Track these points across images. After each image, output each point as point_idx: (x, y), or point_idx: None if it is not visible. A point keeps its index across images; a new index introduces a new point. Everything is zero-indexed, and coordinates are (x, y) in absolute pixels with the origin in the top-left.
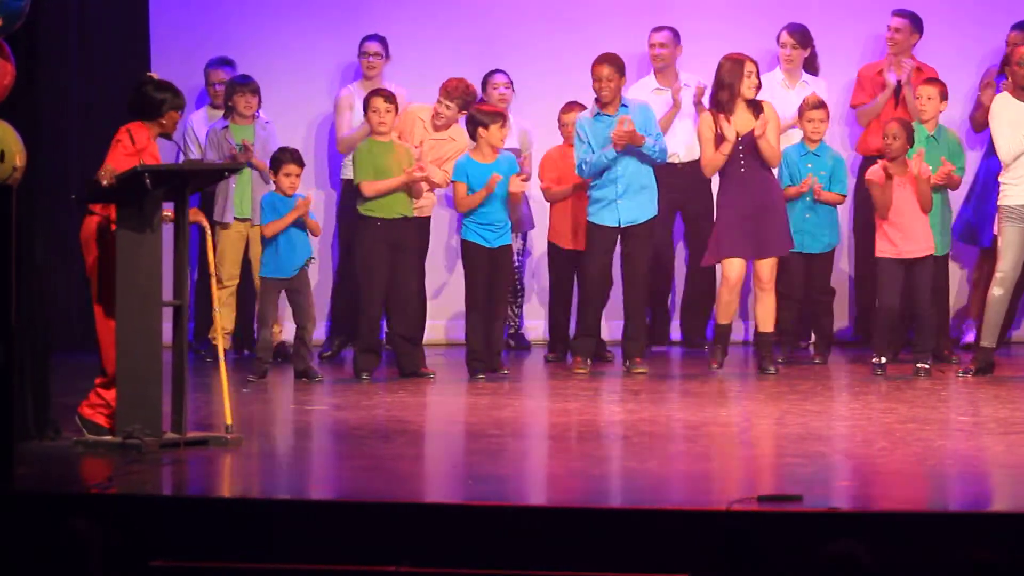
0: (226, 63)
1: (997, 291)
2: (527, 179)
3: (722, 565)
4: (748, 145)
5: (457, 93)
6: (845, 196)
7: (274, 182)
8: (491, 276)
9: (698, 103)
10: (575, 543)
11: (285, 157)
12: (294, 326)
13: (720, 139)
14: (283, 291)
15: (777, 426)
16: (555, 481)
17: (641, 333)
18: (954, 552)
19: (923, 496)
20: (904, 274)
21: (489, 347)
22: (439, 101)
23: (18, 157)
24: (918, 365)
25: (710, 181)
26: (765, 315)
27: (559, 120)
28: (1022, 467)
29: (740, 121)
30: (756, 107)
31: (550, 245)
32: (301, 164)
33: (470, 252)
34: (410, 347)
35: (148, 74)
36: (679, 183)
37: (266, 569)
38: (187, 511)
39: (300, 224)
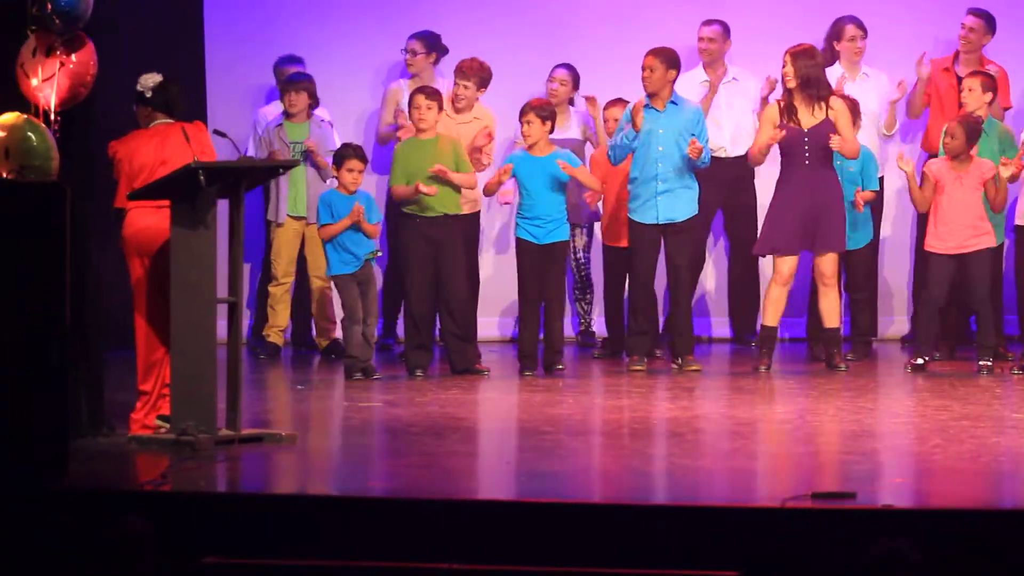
0: (294, 60)
1: None
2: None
3: (774, 562)
4: (814, 140)
5: (472, 72)
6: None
7: (336, 177)
8: (542, 273)
9: (765, 97)
10: (627, 539)
11: (348, 152)
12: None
13: (783, 128)
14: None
15: (831, 423)
16: (608, 478)
17: (688, 330)
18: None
19: (977, 493)
20: (957, 270)
21: (550, 344)
22: (456, 83)
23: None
24: (980, 363)
25: (753, 176)
26: (830, 310)
27: (604, 116)
28: None
29: (807, 115)
30: (826, 103)
31: (603, 244)
32: (364, 160)
33: (519, 249)
34: (462, 344)
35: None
36: (723, 177)
37: (318, 566)
38: (240, 508)
39: (355, 226)
